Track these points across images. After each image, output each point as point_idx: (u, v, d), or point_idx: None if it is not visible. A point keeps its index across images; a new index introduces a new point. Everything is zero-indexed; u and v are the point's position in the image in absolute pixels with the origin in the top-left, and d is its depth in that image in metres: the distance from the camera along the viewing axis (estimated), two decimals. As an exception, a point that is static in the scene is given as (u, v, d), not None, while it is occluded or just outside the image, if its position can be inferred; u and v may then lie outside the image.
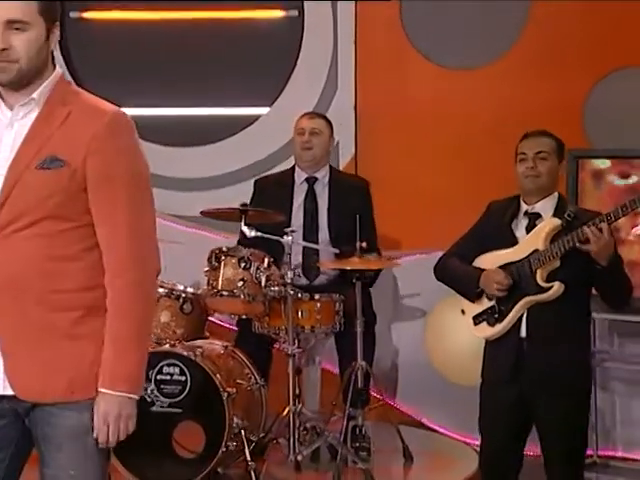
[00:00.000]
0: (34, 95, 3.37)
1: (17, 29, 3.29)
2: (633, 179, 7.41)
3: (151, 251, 3.45)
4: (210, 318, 6.81)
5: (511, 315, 5.23)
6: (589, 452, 5.78)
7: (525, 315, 5.23)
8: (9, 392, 3.36)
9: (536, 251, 5.17)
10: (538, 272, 5.16)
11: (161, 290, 6.46)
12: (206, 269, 6.33)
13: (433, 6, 8.43)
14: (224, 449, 5.87)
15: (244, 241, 6.67)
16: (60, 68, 3.53)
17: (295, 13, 8.69)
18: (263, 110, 8.79)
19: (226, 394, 5.84)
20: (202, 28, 8.81)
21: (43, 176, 3.32)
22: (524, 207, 5.33)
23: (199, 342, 6.36)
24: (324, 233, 6.89)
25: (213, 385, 5.86)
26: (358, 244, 6.30)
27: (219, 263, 6.18)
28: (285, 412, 6.18)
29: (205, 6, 8.74)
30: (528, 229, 5.29)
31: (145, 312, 3.45)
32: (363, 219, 6.51)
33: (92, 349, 3.36)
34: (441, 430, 7.38)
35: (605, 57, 8.29)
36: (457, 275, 5.50)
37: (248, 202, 6.87)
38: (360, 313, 6.39)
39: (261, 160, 8.69)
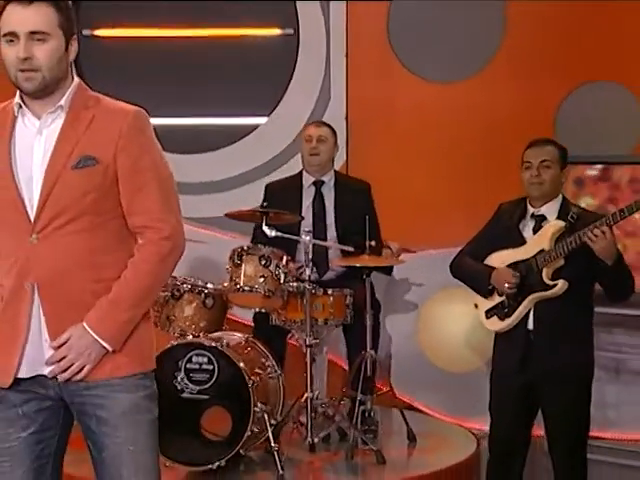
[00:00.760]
0: (61, 102, 3.37)
1: (39, 40, 3.27)
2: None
3: (181, 232, 3.46)
4: (223, 313, 6.75)
5: (519, 310, 5.22)
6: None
7: (532, 310, 5.21)
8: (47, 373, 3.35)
9: (542, 251, 5.15)
10: (544, 270, 5.14)
11: (185, 286, 6.42)
12: (228, 266, 6.27)
13: (418, 24, 8.41)
14: (249, 433, 5.81)
15: (257, 240, 6.64)
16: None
17: (291, 31, 8.65)
18: (262, 120, 8.73)
19: (251, 382, 5.77)
20: (206, 45, 8.73)
21: (79, 175, 3.32)
22: (531, 210, 5.31)
23: (221, 334, 6.29)
24: (332, 232, 6.86)
25: (239, 373, 5.79)
26: (367, 243, 6.27)
27: (241, 261, 6.11)
28: (303, 398, 6.10)
29: (209, 24, 8.68)
30: (535, 230, 5.28)
31: (155, 281, 3.46)
32: (368, 218, 6.50)
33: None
34: (433, 414, 7.32)
35: (575, 71, 8.31)
36: (471, 273, 5.49)
37: (258, 205, 6.84)
38: (369, 306, 6.35)
39: (260, 166, 8.65)
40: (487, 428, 7.16)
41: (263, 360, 6.20)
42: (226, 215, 6.72)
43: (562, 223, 5.17)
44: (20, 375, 3.35)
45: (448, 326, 7.31)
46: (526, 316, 5.22)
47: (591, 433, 5.48)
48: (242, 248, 6.22)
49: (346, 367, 7.12)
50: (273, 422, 5.95)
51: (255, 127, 8.73)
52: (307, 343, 6.12)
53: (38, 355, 3.34)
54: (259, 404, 5.79)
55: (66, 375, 3.29)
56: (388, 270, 6.94)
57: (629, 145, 8.16)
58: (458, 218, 8.12)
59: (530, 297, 5.17)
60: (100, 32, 8.72)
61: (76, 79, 3.44)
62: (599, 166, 7.41)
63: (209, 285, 6.43)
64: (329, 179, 7.03)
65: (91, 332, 3.29)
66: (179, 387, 5.96)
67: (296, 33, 8.64)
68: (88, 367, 3.30)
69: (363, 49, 8.57)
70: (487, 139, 8.24)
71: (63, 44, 3.34)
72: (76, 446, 5.90)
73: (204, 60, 8.70)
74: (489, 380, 5.49)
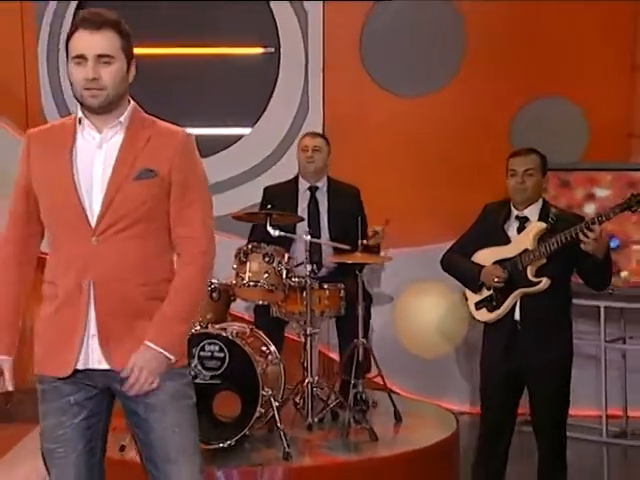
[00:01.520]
0: (121, 119, 3.39)
1: (105, 62, 3.31)
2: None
3: (214, 243, 3.48)
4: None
5: (506, 303, 5.21)
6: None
7: (518, 303, 5.21)
8: (104, 366, 3.36)
9: (526, 250, 5.15)
10: (528, 268, 5.14)
11: None
12: (234, 264, 6.24)
13: (388, 45, 8.43)
14: (257, 414, 5.79)
15: (254, 238, 6.68)
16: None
17: (272, 50, 8.65)
18: (246, 130, 8.72)
19: (259, 368, 5.75)
20: (195, 62, 8.72)
21: (139, 186, 3.34)
22: (514, 212, 5.29)
23: (227, 324, 6.25)
24: (325, 232, 6.85)
25: (248, 360, 5.76)
26: (360, 242, 6.29)
27: (246, 258, 6.08)
28: (305, 382, 6.10)
29: (199, 44, 8.65)
30: (519, 230, 5.26)
31: (202, 295, 3.56)
32: (360, 219, 6.54)
33: None
34: (408, 395, 7.34)
35: (528, 88, 8.38)
36: (462, 270, 5.46)
37: (246, 207, 6.83)
38: (362, 299, 6.36)
39: (245, 172, 8.66)
40: (457, 408, 7.29)
41: (265, 348, 6.17)
42: (232, 217, 6.69)
43: (544, 225, 5.17)
44: (78, 367, 3.36)
45: (420, 316, 7.30)
46: (512, 309, 5.22)
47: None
48: (247, 247, 6.20)
49: (331, 356, 7.12)
50: (277, 404, 5.93)
51: (240, 137, 8.72)
52: (308, 332, 6.11)
53: (89, 349, 3.36)
54: (266, 388, 5.77)
55: (142, 390, 3.32)
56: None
57: (577, 153, 8.26)
58: (426, 220, 8.21)
59: (516, 292, 5.17)
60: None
61: (131, 101, 3.47)
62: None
63: (214, 280, 6.37)
64: (322, 185, 7.02)
65: (156, 347, 3.30)
66: (193, 373, 5.85)
67: (277, 52, 8.63)
68: (158, 380, 3.33)
69: (338, 67, 8.56)
70: (450, 149, 8.29)
71: (125, 66, 3.38)
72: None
73: (194, 76, 8.66)
74: (479, 367, 5.51)
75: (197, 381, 5.88)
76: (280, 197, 6.93)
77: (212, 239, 3.46)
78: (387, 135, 8.42)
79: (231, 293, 6.32)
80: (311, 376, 6.10)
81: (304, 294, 6.11)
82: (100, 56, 3.28)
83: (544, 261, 5.12)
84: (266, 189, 7.18)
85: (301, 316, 6.20)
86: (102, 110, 3.34)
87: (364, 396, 6.38)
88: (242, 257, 6.17)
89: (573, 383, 5.41)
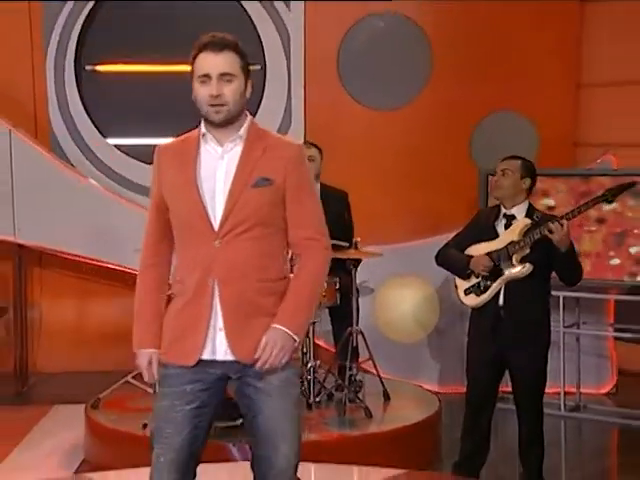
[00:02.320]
0: (240, 132, 3.39)
1: (227, 81, 3.34)
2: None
3: (329, 239, 3.49)
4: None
5: (492, 287, 5.22)
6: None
7: (503, 289, 5.23)
8: (230, 358, 3.34)
9: (512, 241, 5.18)
10: (514, 256, 5.17)
11: None
12: None
13: (362, 64, 8.48)
14: None
15: None
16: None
17: (258, 67, 8.61)
18: (235, 139, 8.63)
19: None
20: (188, 77, 8.58)
21: (257, 192, 3.33)
22: (503, 210, 5.32)
23: None
24: None
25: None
26: (354, 240, 6.35)
27: None
28: (308, 366, 6.11)
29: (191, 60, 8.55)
30: (506, 226, 5.29)
31: (322, 287, 3.60)
32: (347, 221, 6.55)
33: None
34: (388, 377, 7.36)
35: (485, 103, 8.46)
36: (453, 262, 5.46)
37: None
38: (355, 291, 6.41)
39: (233, 177, 8.59)
40: (428, 387, 7.34)
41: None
42: None
43: (528, 220, 5.21)
44: (202, 357, 3.36)
45: (398, 306, 7.35)
46: (497, 294, 5.24)
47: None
48: None
49: (320, 344, 7.16)
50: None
51: (230, 146, 8.64)
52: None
53: (216, 342, 3.36)
54: None
55: (273, 365, 3.31)
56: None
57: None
58: (401, 220, 8.27)
59: (502, 277, 5.21)
60: (100, 67, 8.63)
61: (248, 114, 3.47)
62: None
63: None
64: (316, 190, 7.03)
65: (285, 329, 3.30)
66: None
67: (263, 69, 8.62)
68: (287, 357, 3.32)
69: (318, 83, 8.58)
70: (418, 157, 8.36)
71: (243, 83, 3.39)
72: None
73: (187, 90, 8.57)
74: (466, 348, 5.48)
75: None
76: None
77: (327, 236, 3.47)
78: (362, 144, 8.46)
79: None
80: (313, 360, 6.12)
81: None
82: (223, 75, 3.32)
83: (528, 251, 5.15)
84: None
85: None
86: (224, 124, 3.36)
87: (357, 377, 6.41)
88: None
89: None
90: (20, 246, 7.89)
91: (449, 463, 5.81)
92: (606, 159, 7.76)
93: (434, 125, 8.40)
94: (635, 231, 7.16)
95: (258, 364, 3.29)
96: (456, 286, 5.49)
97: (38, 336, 8.45)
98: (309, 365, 6.10)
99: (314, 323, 6.18)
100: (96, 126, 8.57)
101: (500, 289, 5.23)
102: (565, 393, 7.21)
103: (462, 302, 5.44)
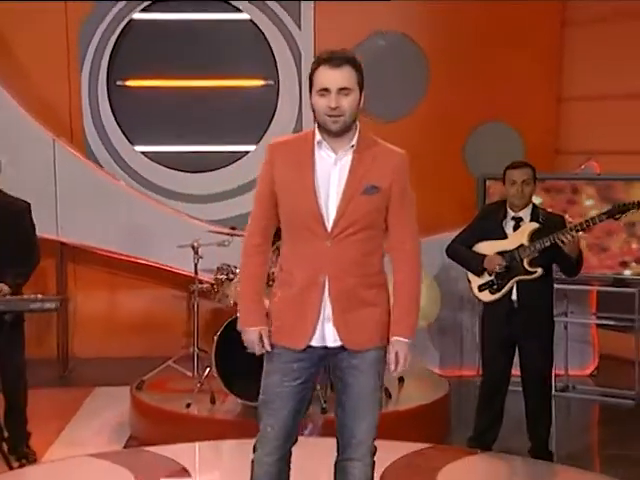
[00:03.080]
0: (353, 142, 3.38)
1: (345, 94, 3.30)
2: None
3: (420, 248, 3.54)
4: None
5: (506, 288, 5.32)
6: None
7: (515, 287, 5.33)
8: (338, 344, 3.41)
9: (522, 245, 5.26)
10: (525, 260, 5.25)
11: (236, 271, 6.31)
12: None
13: (366, 77, 8.36)
14: None
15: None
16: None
17: (272, 82, 8.67)
18: (251, 147, 8.70)
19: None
20: (209, 91, 8.67)
21: (366, 199, 3.35)
22: (511, 213, 5.38)
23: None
24: None
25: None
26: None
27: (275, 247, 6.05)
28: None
29: (212, 77, 8.64)
30: (515, 228, 5.36)
31: (421, 284, 3.53)
32: None
33: (382, 312, 3.45)
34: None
35: (477, 114, 8.54)
36: (466, 257, 5.51)
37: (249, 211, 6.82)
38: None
39: (250, 181, 8.51)
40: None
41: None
42: None
43: (536, 224, 5.30)
44: (311, 343, 3.43)
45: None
46: (510, 291, 5.34)
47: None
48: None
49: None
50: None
51: (246, 152, 8.71)
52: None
53: (325, 330, 3.42)
54: None
55: (403, 370, 3.46)
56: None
57: None
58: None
59: (515, 278, 5.29)
60: (129, 82, 8.64)
61: (358, 124, 3.45)
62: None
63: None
64: None
65: (405, 340, 3.42)
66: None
67: (276, 84, 8.66)
68: (407, 362, 3.45)
69: None
70: (418, 163, 8.24)
71: (358, 96, 3.36)
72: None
73: (208, 102, 8.64)
74: (480, 336, 5.67)
75: (249, 350, 5.89)
76: None
77: (419, 240, 3.52)
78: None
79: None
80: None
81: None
82: (341, 89, 3.29)
83: (537, 254, 5.25)
84: None
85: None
86: (339, 133, 3.35)
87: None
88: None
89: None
90: (62, 244, 7.92)
91: (457, 438, 5.93)
92: (589, 165, 7.86)
93: (431, 134, 8.45)
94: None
95: (391, 369, 3.44)
96: (469, 281, 5.57)
97: (74, 325, 8.47)
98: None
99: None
100: (125, 135, 8.59)
101: (512, 286, 5.33)
102: (555, 375, 7.28)
103: (476, 296, 5.54)
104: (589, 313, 7.77)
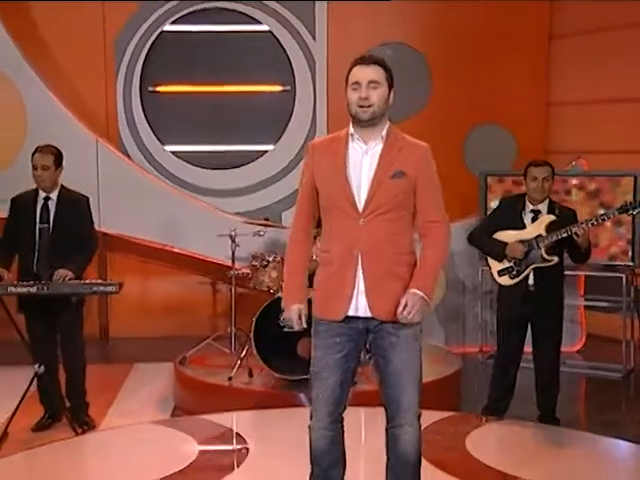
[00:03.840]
0: (382, 133, 3.49)
1: (374, 87, 3.42)
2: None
3: (449, 225, 3.59)
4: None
5: (524, 273, 5.42)
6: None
7: (532, 273, 5.43)
8: (369, 314, 3.47)
9: (540, 235, 5.37)
10: (543, 249, 5.36)
11: (269, 258, 6.44)
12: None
13: None
14: None
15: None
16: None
17: (289, 88, 8.75)
18: (270, 147, 8.79)
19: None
20: (232, 96, 8.74)
21: (394, 183, 3.45)
22: (530, 206, 5.46)
23: None
24: None
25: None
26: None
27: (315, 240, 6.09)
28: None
29: (234, 83, 8.70)
30: (533, 219, 5.46)
31: (445, 259, 3.60)
32: None
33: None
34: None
35: (475, 116, 8.67)
36: (489, 244, 5.56)
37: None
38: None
39: (268, 177, 8.79)
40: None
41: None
42: None
43: (553, 217, 5.41)
44: (349, 314, 3.48)
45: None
46: (527, 277, 5.44)
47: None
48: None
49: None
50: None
51: (265, 152, 8.81)
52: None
53: (358, 302, 3.47)
54: None
55: (410, 319, 3.40)
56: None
57: (508, 164, 8.52)
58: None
59: (533, 266, 5.40)
60: (160, 88, 8.72)
61: (388, 120, 3.53)
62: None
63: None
64: None
65: (420, 293, 3.39)
66: (282, 324, 5.91)
67: (293, 89, 8.75)
68: (421, 314, 3.43)
69: (338, 102, 8.41)
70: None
71: (387, 91, 3.46)
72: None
73: (231, 106, 8.73)
74: (497, 315, 5.71)
75: (285, 330, 5.83)
76: None
77: (447, 219, 3.57)
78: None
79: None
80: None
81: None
82: (370, 82, 3.40)
83: (553, 244, 5.37)
84: None
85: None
86: (369, 123, 3.44)
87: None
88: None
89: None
90: (104, 234, 8.00)
91: (467, 408, 6.03)
92: (579, 163, 8.00)
93: (433, 134, 8.18)
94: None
95: (400, 318, 3.39)
96: (489, 266, 5.65)
97: (112, 308, 8.56)
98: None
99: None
100: (156, 136, 8.66)
101: (529, 272, 5.43)
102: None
103: (495, 280, 5.61)
104: (578, 296, 7.87)
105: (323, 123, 8.72)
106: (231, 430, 5.23)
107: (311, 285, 3.70)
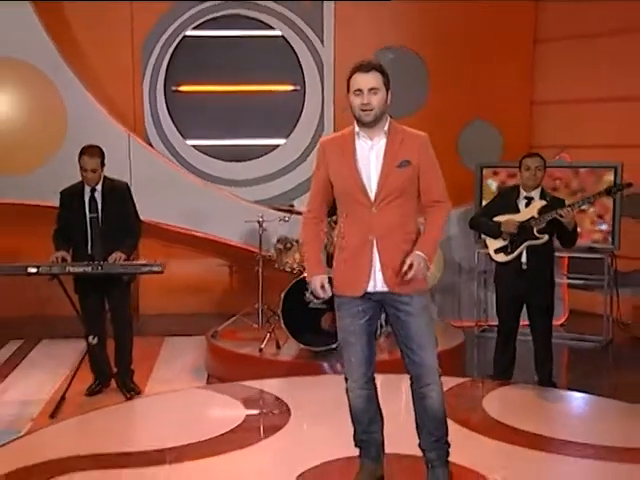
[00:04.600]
0: (385, 129, 3.58)
1: (374, 93, 3.52)
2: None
3: (450, 202, 3.72)
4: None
5: (518, 250, 5.55)
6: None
7: (525, 252, 5.56)
8: (385, 289, 3.59)
9: (533, 217, 5.51)
10: (534, 228, 5.50)
11: (294, 242, 6.53)
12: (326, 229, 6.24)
13: None
14: None
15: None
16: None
17: (299, 87, 8.85)
18: (282, 141, 8.89)
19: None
20: (248, 95, 8.84)
21: (400, 172, 3.55)
22: (524, 193, 5.59)
23: None
24: None
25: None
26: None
27: (330, 227, 6.00)
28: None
29: (249, 82, 8.78)
30: (526, 205, 5.59)
31: (444, 231, 3.73)
32: None
33: None
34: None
35: (467, 114, 8.80)
36: (487, 226, 5.67)
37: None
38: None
39: (280, 169, 8.88)
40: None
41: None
42: None
43: (544, 202, 5.55)
44: (367, 290, 3.61)
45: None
46: (520, 255, 5.57)
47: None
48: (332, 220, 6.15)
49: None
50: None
51: (278, 145, 8.91)
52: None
53: (376, 279, 3.59)
54: None
55: (414, 274, 3.49)
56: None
57: (495, 158, 8.68)
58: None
59: (526, 243, 5.52)
60: (182, 88, 8.79)
61: (388, 116, 3.61)
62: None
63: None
64: None
65: (423, 254, 3.51)
66: (307, 300, 6.04)
67: (303, 88, 8.85)
68: (422, 272, 3.52)
69: (344, 100, 8.58)
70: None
71: (385, 94, 3.55)
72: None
73: (247, 104, 8.82)
74: (495, 293, 5.79)
75: (310, 305, 6.01)
76: None
77: (448, 198, 3.67)
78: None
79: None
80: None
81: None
82: (371, 89, 3.50)
83: (543, 225, 5.50)
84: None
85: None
86: (371, 124, 3.53)
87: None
88: (333, 225, 6.28)
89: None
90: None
91: (471, 374, 6.17)
92: (562, 156, 8.18)
93: (431, 131, 8.23)
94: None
95: (408, 275, 3.48)
96: (486, 246, 5.79)
97: (141, 287, 8.65)
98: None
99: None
100: (178, 131, 8.75)
101: (523, 250, 5.56)
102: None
103: (492, 259, 5.74)
104: (562, 275, 8.03)
105: (330, 119, 8.82)
106: (271, 395, 5.33)
107: (330, 266, 3.82)
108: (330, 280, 3.74)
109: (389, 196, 3.54)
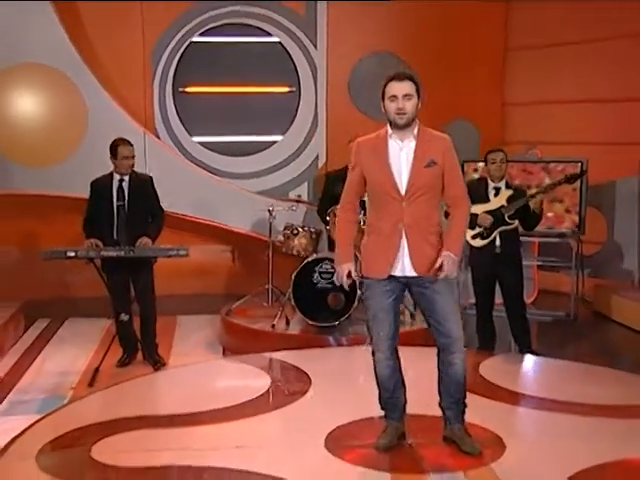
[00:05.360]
0: (414, 132, 3.69)
1: (407, 99, 3.65)
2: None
3: (469, 201, 3.80)
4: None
5: (492, 235, 5.71)
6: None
7: (498, 237, 5.73)
8: (412, 274, 3.70)
9: (503, 206, 5.68)
10: (505, 215, 5.67)
11: (300, 228, 6.66)
12: (328, 217, 6.40)
13: (366, 86, 8.68)
14: (355, 305, 6.07)
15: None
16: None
17: (294, 89, 8.92)
18: (279, 137, 8.96)
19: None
20: (248, 96, 8.90)
21: (427, 171, 3.65)
22: (491, 184, 5.75)
23: (328, 253, 6.39)
24: None
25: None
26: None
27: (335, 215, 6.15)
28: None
29: (249, 84, 8.83)
30: (495, 194, 5.75)
31: (466, 226, 3.81)
32: None
33: (440, 251, 3.68)
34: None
35: (446, 113, 8.78)
36: None
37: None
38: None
39: (277, 163, 8.96)
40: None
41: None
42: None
43: (511, 191, 5.73)
44: (392, 273, 3.71)
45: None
46: (494, 239, 5.73)
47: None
48: (333, 211, 6.22)
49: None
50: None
51: (275, 142, 8.99)
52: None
53: (404, 264, 3.70)
54: (357, 290, 5.95)
55: (446, 275, 3.62)
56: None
57: (474, 153, 8.70)
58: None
59: (499, 229, 5.69)
60: (189, 89, 8.83)
61: (417, 120, 3.71)
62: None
63: (312, 229, 6.67)
64: None
65: (452, 255, 3.63)
66: (315, 281, 6.19)
67: (298, 90, 8.94)
68: (454, 270, 3.63)
69: (335, 101, 8.91)
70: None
71: (417, 100, 3.67)
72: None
73: (247, 103, 8.89)
74: (471, 275, 5.93)
75: (318, 286, 6.16)
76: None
77: (468, 195, 3.76)
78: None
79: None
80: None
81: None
82: (405, 95, 3.62)
83: (512, 212, 5.68)
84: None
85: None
86: (404, 127, 3.65)
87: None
88: (332, 217, 6.24)
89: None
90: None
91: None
92: (534, 152, 8.36)
93: None
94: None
95: (439, 275, 3.60)
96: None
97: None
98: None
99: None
100: (185, 129, 8.81)
101: (496, 236, 5.75)
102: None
103: (469, 244, 5.85)
104: (532, 258, 8.21)
105: (323, 118, 8.94)
106: (291, 364, 5.41)
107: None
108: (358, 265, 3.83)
109: (417, 192, 3.63)
